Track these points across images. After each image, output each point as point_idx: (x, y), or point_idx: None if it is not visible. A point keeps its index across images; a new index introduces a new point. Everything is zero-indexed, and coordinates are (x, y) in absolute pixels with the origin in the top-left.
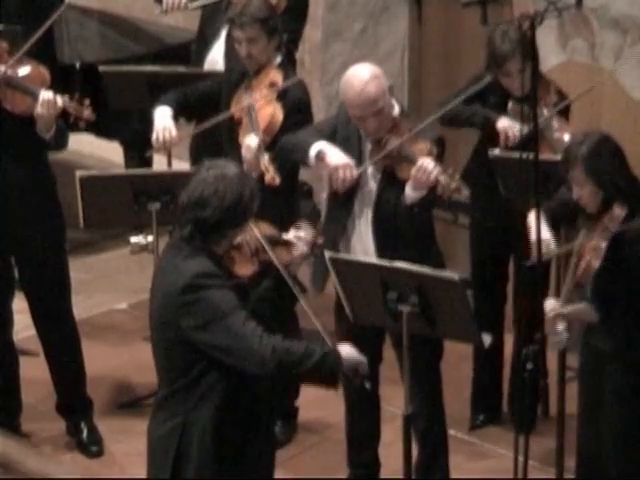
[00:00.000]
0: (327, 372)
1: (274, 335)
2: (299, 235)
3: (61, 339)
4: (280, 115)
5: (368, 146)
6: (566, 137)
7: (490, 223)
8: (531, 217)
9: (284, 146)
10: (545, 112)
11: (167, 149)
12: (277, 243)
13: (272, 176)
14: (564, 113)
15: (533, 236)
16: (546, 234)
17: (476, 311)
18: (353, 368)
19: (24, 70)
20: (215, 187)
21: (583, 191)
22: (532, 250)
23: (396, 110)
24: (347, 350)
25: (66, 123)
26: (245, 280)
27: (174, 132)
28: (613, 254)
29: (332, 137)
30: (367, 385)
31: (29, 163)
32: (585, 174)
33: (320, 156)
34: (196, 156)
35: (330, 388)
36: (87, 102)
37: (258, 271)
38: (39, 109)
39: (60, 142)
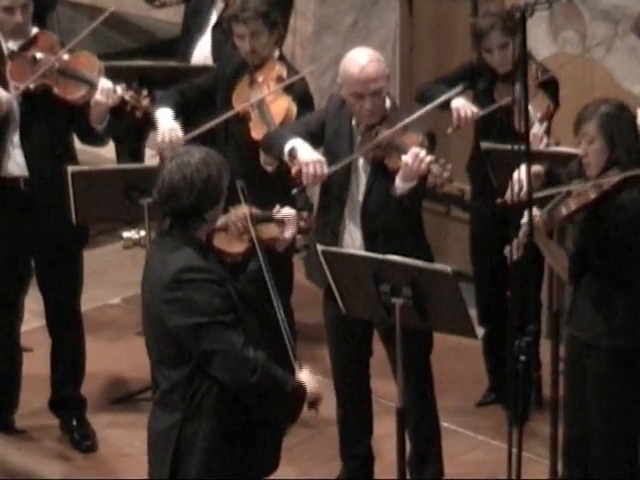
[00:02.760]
0: (292, 406)
1: (257, 350)
2: (285, 214)
3: (70, 335)
4: (294, 108)
5: (359, 138)
6: (538, 114)
7: (488, 212)
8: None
9: (264, 142)
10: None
11: (173, 150)
12: (264, 220)
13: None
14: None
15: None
16: (525, 176)
17: (478, 303)
18: (311, 400)
19: (78, 60)
20: (182, 174)
21: (590, 147)
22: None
23: (387, 103)
24: (309, 380)
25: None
26: (238, 258)
27: (180, 133)
28: (601, 210)
29: (320, 131)
30: (314, 414)
31: (62, 160)
32: (598, 129)
33: (292, 153)
34: None
35: (288, 425)
36: (145, 92)
37: (250, 248)
38: (98, 96)
39: (107, 136)
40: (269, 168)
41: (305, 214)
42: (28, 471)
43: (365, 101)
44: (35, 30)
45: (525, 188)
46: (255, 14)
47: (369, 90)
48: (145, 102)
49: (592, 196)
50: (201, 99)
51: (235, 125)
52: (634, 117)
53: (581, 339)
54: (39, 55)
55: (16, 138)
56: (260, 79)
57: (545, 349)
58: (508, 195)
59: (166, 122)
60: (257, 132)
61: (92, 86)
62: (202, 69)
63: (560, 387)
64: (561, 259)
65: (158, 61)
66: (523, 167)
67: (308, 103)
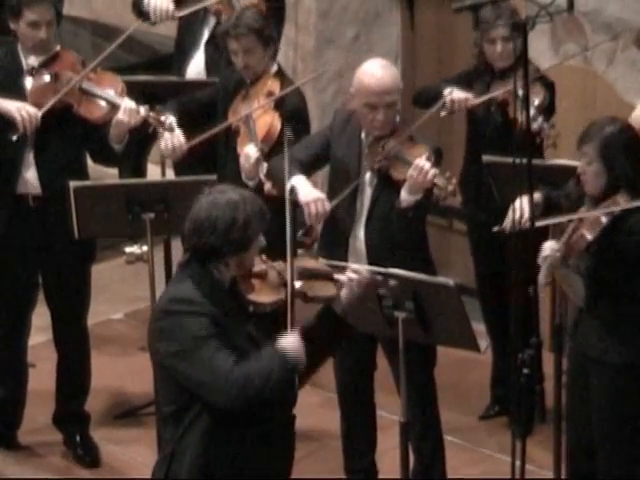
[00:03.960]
0: (287, 377)
1: (245, 362)
2: (351, 276)
3: (76, 351)
4: (278, 124)
5: (366, 150)
6: (535, 101)
7: (483, 217)
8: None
9: (269, 172)
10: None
11: (176, 156)
12: (320, 277)
13: (271, 185)
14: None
15: (517, 204)
16: (525, 205)
17: (484, 316)
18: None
19: (101, 79)
20: (208, 214)
21: (589, 168)
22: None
23: (397, 117)
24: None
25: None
26: (266, 308)
27: (182, 139)
28: (611, 236)
29: (324, 150)
30: None
31: (75, 178)
32: (598, 152)
33: (294, 192)
34: (181, 166)
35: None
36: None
37: (281, 301)
38: (120, 116)
39: (123, 157)
40: (250, 183)
41: (391, 282)
42: None
43: (378, 112)
44: (58, 47)
45: (526, 216)
46: (247, 31)
47: (383, 102)
48: (168, 124)
49: (604, 220)
50: (200, 112)
51: (232, 137)
52: (637, 137)
53: (588, 355)
54: (60, 72)
55: (30, 156)
56: (253, 94)
57: (547, 362)
58: (506, 223)
59: None
60: (242, 146)
61: (114, 106)
62: (203, 84)
63: (563, 400)
64: (577, 286)
65: (160, 76)
66: (525, 197)
67: (298, 119)
